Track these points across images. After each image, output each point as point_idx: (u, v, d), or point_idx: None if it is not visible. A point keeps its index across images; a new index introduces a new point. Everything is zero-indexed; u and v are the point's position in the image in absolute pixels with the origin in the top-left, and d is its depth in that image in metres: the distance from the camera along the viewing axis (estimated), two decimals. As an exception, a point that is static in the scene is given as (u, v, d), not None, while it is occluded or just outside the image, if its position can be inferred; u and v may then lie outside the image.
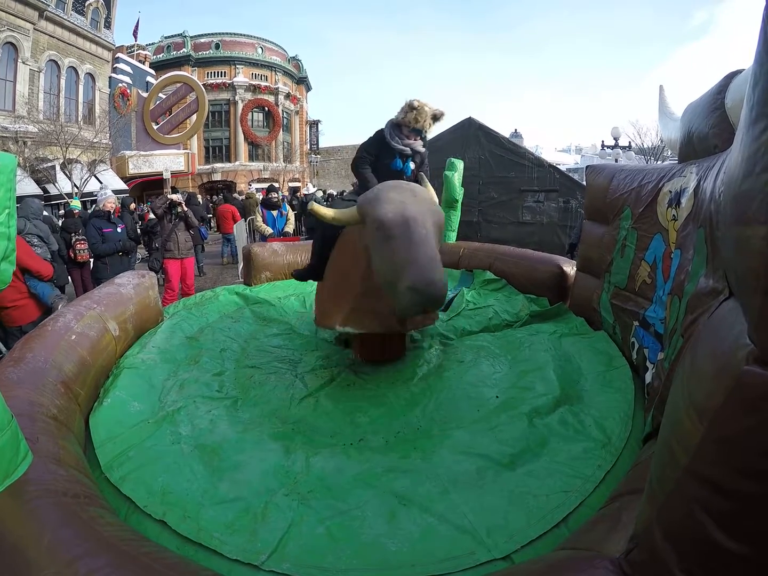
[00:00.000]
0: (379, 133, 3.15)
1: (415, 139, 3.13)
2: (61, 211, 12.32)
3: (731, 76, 2.12)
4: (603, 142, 20.36)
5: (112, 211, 6.47)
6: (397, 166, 3.10)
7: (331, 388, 2.96)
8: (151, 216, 7.66)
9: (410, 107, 3.00)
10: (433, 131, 3.22)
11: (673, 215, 2.30)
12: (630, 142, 22.41)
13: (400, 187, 2.54)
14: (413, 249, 2.22)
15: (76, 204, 8.30)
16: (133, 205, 10.36)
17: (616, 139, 18.13)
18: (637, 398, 2.47)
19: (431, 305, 2.22)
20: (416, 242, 2.23)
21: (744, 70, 2.02)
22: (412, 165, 3.18)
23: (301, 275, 3.53)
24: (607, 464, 2.03)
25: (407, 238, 2.26)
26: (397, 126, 3.09)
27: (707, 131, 2.15)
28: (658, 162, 19.74)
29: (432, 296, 2.14)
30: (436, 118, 3.07)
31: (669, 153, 21.19)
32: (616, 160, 15.33)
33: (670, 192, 2.39)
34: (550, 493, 1.88)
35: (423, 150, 3.21)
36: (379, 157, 3.14)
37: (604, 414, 2.37)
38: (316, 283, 3.53)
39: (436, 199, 2.93)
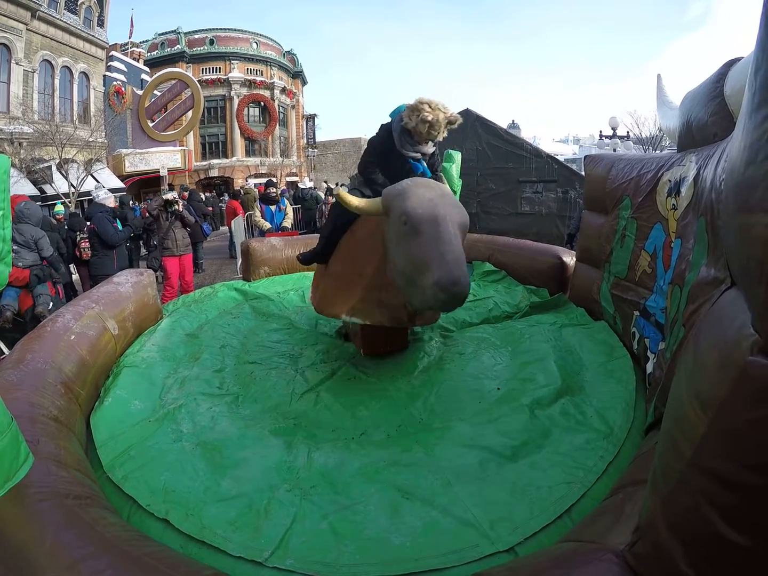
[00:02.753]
0: (386, 134, 2.95)
1: (426, 143, 2.93)
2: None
3: (730, 64, 2.10)
4: (601, 132, 20.20)
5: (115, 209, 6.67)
6: (416, 170, 2.96)
7: (332, 383, 2.95)
8: (148, 214, 7.69)
9: (423, 121, 2.74)
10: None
11: (673, 204, 2.29)
12: (628, 132, 22.28)
13: (429, 186, 2.47)
14: (441, 247, 2.16)
15: (60, 209, 8.31)
16: (131, 203, 10.43)
17: (614, 129, 18.01)
18: (639, 388, 2.47)
19: (454, 303, 2.17)
20: (444, 240, 2.18)
21: (743, 58, 2.00)
22: (423, 164, 3.01)
23: (307, 258, 3.48)
24: (610, 455, 2.03)
25: (436, 236, 2.21)
26: (407, 132, 2.86)
27: (706, 119, 2.13)
28: (657, 151, 19.67)
29: (456, 295, 2.09)
30: (450, 124, 2.82)
31: (667, 142, 21.09)
32: (615, 150, 15.27)
33: (670, 181, 2.38)
34: (552, 485, 1.88)
35: (434, 149, 3.04)
36: (387, 159, 2.98)
37: (606, 404, 2.37)
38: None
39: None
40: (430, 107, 2.72)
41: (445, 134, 2.87)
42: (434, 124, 2.75)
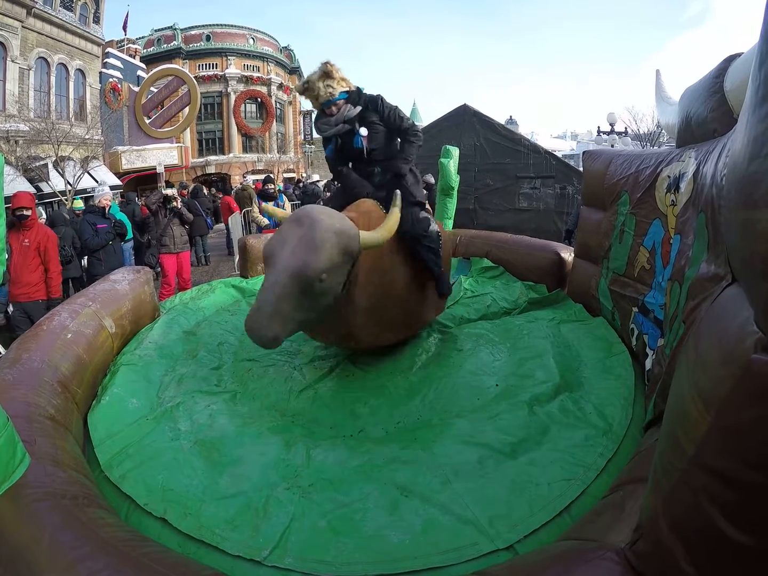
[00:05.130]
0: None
1: (338, 109, 2.85)
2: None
3: (730, 60, 2.09)
4: (599, 128, 20.18)
5: (106, 208, 6.53)
6: (356, 144, 2.89)
7: (330, 380, 2.94)
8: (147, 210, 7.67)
9: (302, 91, 2.89)
10: (343, 85, 2.87)
11: (672, 200, 2.28)
12: (626, 128, 22.25)
13: (296, 220, 2.24)
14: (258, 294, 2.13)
15: (79, 204, 8.99)
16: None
17: (612, 124, 18.01)
18: (638, 385, 2.46)
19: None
20: (261, 287, 2.12)
21: (743, 53, 1.99)
22: (363, 132, 2.86)
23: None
24: (609, 452, 2.02)
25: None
26: (318, 114, 2.95)
27: (706, 115, 2.12)
28: (654, 147, 19.66)
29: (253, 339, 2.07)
30: (326, 76, 2.79)
31: (665, 139, 21.08)
32: (612, 146, 15.27)
33: (669, 177, 2.37)
34: (552, 482, 1.87)
35: (359, 109, 2.86)
36: (331, 147, 3.00)
37: (605, 401, 2.36)
38: None
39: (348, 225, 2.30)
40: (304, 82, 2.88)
41: (330, 87, 2.79)
42: (309, 88, 2.84)
